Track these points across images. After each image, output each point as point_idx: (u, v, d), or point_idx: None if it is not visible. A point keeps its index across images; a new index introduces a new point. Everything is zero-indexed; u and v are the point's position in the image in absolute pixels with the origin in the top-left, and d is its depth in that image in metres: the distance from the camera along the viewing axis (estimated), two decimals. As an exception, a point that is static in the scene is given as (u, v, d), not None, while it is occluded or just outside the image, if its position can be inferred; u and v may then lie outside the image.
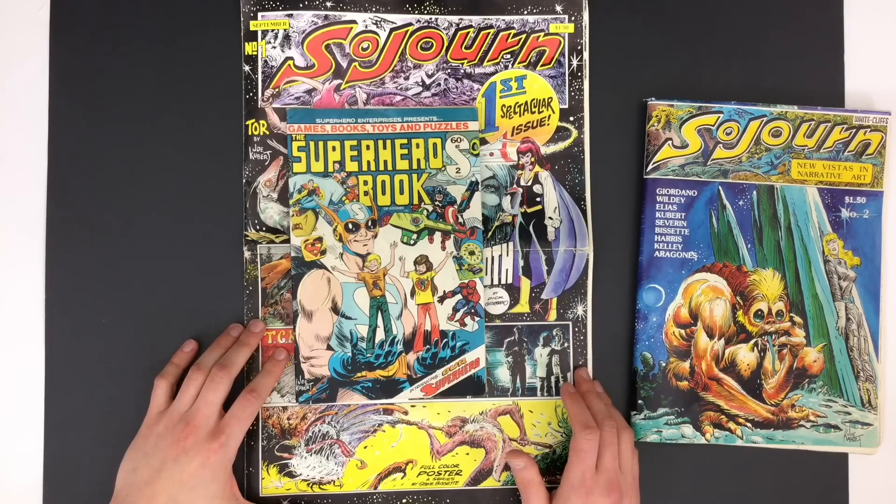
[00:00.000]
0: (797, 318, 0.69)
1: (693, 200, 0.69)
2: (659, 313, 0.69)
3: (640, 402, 0.68)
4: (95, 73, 0.68)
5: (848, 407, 0.69)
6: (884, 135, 0.70)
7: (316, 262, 0.67)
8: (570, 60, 0.70)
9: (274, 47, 0.69)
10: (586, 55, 0.70)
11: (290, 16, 0.69)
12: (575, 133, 0.70)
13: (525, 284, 0.69)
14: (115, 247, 0.68)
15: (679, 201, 0.69)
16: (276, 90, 0.68)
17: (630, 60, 0.71)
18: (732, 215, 0.69)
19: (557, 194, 0.70)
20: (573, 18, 0.70)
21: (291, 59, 0.69)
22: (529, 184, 0.70)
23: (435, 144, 0.68)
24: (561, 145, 0.70)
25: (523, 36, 0.70)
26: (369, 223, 0.68)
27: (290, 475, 0.67)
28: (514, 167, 0.70)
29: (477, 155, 0.68)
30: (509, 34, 0.70)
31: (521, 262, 0.69)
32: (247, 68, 0.69)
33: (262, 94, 0.68)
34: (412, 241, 0.68)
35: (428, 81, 0.69)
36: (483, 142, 0.69)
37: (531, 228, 0.69)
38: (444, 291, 0.68)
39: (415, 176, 0.68)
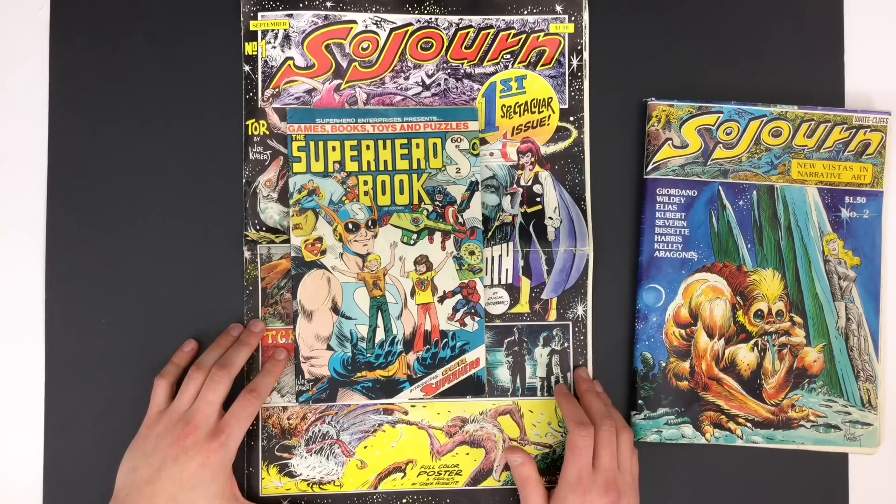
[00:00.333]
0: (797, 318, 0.69)
1: (693, 200, 0.69)
2: (659, 313, 0.69)
3: (640, 402, 0.68)
4: (95, 73, 0.68)
5: (848, 407, 0.69)
6: (884, 135, 0.70)
7: (316, 262, 0.67)
8: (570, 60, 0.70)
9: (274, 47, 0.69)
10: (586, 55, 0.70)
11: (290, 16, 0.69)
12: (575, 133, 0.70)
13: (525, 284, 0.69)
14: (114, 247, 0.68)
15: (679, 201, 0.69)
16: (276, 90, 0.68)
17: (630, 60, 0.71)
18: (732, 215, 0.69)
19: (557, 194, 0.70)
20: (573, 18, 0.70)
21: (291, 59, 0.69)
22: (529, 184, 0.70)
23: (435, 144, 0.68)
24: (561, 145, 0.70)
25: (523, 36, 0.70)
26: (369, 223, 0.68)
27: (290, 475, 0.67)
28: (514, 167, 0.70)
29: (477, 155, 0.68)
30: (509, 34, 0.70)
31: (521, 262, 0.69)
32: (247, 68, 0.69)
33: (262, 94, 0.68)
34: (412, 241, 0.68)
35: (428, 81, 0.69)
36: (483, 142, 0.69)
37: (531, 228, 0.69)
38: (444, 291, 0.68)
39: (415, 176, 0.68)
